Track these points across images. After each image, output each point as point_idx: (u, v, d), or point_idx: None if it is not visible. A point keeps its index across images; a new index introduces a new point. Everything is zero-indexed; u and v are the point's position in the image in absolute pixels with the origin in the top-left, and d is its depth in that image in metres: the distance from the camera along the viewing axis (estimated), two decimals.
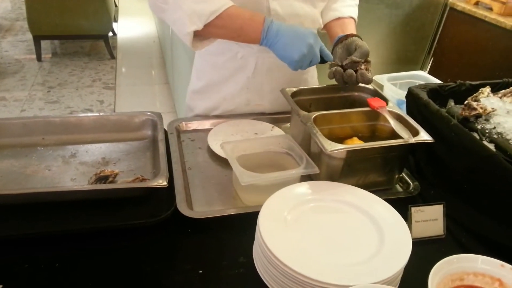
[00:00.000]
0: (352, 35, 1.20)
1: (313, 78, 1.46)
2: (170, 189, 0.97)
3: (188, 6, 1.03)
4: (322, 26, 1.33)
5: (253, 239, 0.85)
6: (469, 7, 2.54)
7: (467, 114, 1.08)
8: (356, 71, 1.12)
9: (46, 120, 1.16)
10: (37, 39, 4.28)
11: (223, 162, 1.12)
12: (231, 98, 1.34)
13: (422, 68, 2.57)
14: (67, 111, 3.54)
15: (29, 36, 4.39)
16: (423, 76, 1.51)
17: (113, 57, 4.61)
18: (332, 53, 1.21)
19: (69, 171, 1.07)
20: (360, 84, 1.23)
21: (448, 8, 2.44)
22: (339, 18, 1.30)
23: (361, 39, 1.19)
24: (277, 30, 1.04)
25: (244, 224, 0.90)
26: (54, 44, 4.87)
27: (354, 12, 1.33)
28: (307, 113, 1.06)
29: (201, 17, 1.03)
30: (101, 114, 1.21)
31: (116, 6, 5.79)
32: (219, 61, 1.30)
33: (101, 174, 1.00)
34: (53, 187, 1.00)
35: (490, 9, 2.52)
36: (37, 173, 1.04)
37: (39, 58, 4.38)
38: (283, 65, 1.13)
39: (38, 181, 1.02)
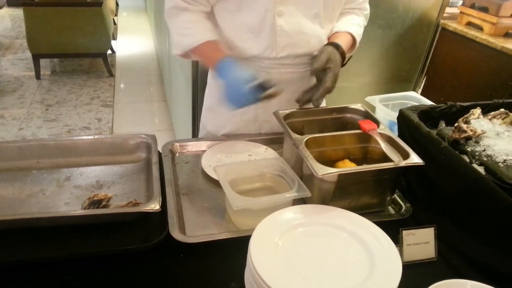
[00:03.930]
0: (329, 43, 1.25)
1: None
2: (163, 212, 0.97)
3: (174, 36, 1.28)
4: None
5: (246, 263, 0.85)
6: (460, 28, 2.58)
7: (457, 136, 1.09)
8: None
9: (41, 143, 1.17)
10: (36, 58, 4.32)
11: (217, 185, 1.12)
12: (240, 114, 1.36)
13: (416, 86, 2.60)
14: (65, 129, 3.56)
15: (28, 54, 4.44)
16: (415, 97, 1.52)
17: (111, 74, 4.65)
18: None
19: (63, 194, 1.08)
20: (352, 106, 1.26)
21: (440, 28, 2.48)
22: (336, 32, 1.33)
23: (338, 48, 1.24)
24: (225, 72, 1.18)
25: (236, 248, 0.91)
26: (53, 62, 4.92)
27: (353, 29, 1.34)
28: (299, 136, 1.07)
29: (180, 47, 1.27)
30: (95, 136, 1.22)
31: (115, 24, 5.87)
32: None
33: (95, 198, 1.01)
34: (45, 213, 1.00)
35: (481, 29, 2.56)
36: (31, 197, 1.05)
37: (38, 76, 4.42)
38: (291, 82, 1.29)
39: (32, 205, 1.02)
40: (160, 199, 0.97)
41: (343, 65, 1.28)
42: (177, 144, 1.30)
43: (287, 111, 1.20)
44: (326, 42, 1.32)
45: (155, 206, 0.95)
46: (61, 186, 1.10)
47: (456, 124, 1.12)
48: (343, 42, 1.29)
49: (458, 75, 2.57)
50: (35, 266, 0.89)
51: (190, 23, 1.23)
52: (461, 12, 2.70)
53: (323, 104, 1.29)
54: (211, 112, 1.45)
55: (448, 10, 2.69)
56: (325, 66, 1.20)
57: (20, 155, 1.16)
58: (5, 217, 0.94)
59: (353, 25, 1.35)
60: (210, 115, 1.46)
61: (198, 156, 1.26)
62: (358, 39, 1.35)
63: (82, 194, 1.08)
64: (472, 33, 2.52)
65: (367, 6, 1.41)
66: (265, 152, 1.30)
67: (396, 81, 2.50)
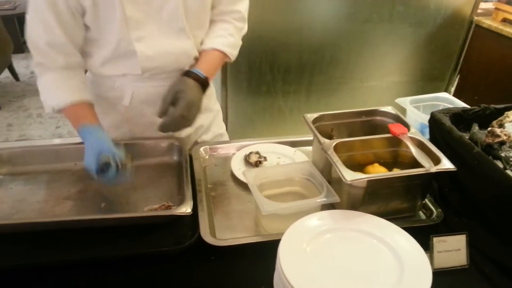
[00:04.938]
0: (184, 73, 1.19)
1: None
2: (194, 215, 1.00)
3: (42, 95, 1.20)
4: None
5: (275, 266, 0.86)
6: (495, 25, 2.50)
7: (490, 141, 1.07)
8: None
9: (77, 147, 1.22)
10: None
11: (246, 188, 1.13)
12: (115, 129, 1.32)
13: (448, 85, 2.52)
14: None
15: None
16: (447, 98, 1.49)
17: None
18: None
19: (100, 196, 1.12)
20: (382, 109, 1.25)
21: (473, 26, 2.40)
22: (203, 51, 1.27)
23: (189, 75, 1.17)
24: (84, 138, 1.14)
25: (266, 252, 0.92)
26: None
27: (221, 42, 1.27)
28: (328, 140, 1.08)
29: (49, 106, 1.19)
30: (128, 141, 1.26)
31: None
32: (100, 92, 1.30)
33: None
34: (81, 216, 1.04)
35: None
36: (69, 199, 1.10)
37: None
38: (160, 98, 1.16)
39: (71, 207, 1.07)
40: (192, 203, 1.00)
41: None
42: (207, 146, 1.32)
43: (316, 115, 1.20)
44: (197, 51, 1.24)
45: (186, 209, 0.97)
46: (97, 188, 1.14)
47: (489, 128, 1.10)
48: (206, 62, 1.24)
49: (492, 74, 2.49)
50: (68, 267, 0.93)
51: (56, 82, 1.16)
52: (496, 8, 2.60)
53: (353, 107, 1.27)
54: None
55: (483, 5, 2.60)
56: (172, 100, 1.13)
57: (58, 158, 1.21)
58: (43, 219, 0.99)
59: (218, 37, 1.27)
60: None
61: (227, 158, 1.28)
62: (228, 50, 1.27)
63: (117, 196, 1.11)
64: (507, 30, 2.43)
65: (239, 8, 1.30)
66: (294, 155, 1.31)
67: (427, 79, 2.44)
